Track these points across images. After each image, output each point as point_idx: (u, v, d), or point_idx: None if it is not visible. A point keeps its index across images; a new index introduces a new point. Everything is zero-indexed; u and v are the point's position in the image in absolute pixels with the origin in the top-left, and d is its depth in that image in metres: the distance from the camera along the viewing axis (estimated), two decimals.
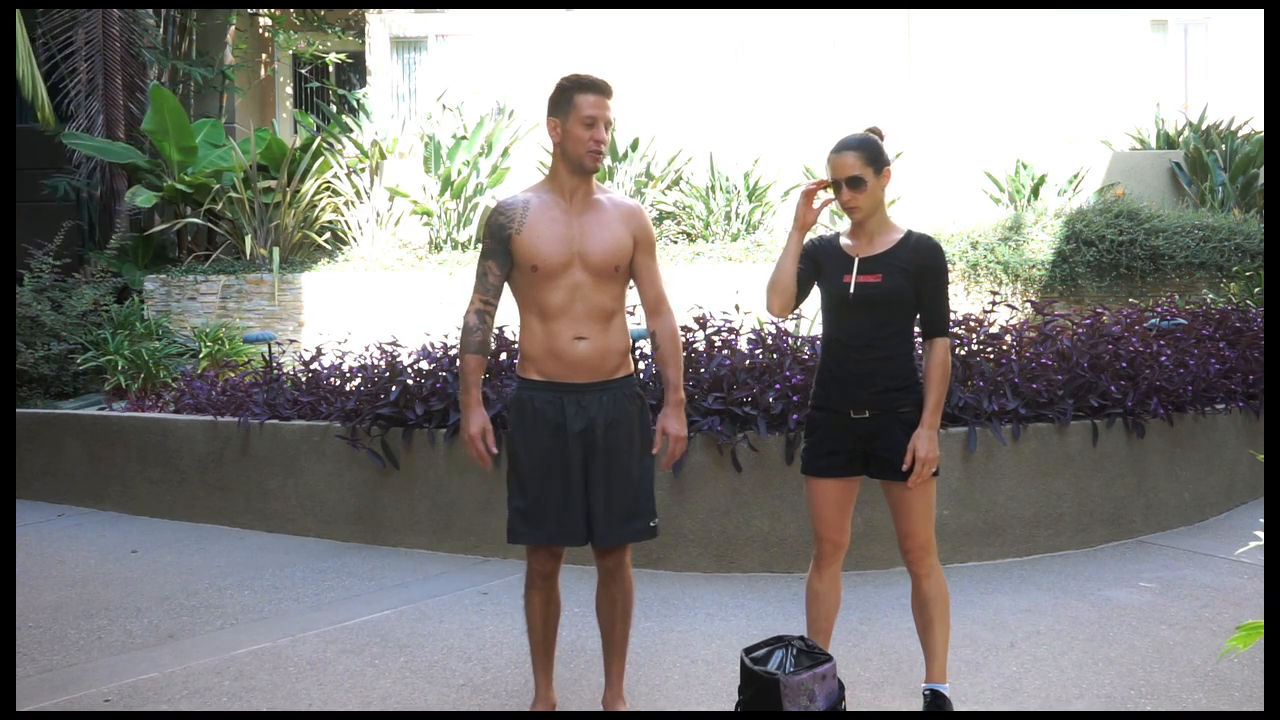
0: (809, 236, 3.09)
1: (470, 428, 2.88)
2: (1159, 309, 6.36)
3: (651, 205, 10.49)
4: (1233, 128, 11.26)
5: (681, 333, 5.00)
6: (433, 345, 5.51)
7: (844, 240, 3.04)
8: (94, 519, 6.16)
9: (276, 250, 9.82)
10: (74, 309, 8.96)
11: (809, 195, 3.00)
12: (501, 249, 2.89)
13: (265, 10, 12.40)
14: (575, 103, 2.83)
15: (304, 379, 6.02)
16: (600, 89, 2.85)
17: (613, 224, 2.91)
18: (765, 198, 10.36)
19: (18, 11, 9.33)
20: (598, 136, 2.83)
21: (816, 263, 3.03)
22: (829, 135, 3.10)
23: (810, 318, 6.20)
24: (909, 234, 3.00)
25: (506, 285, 2.96)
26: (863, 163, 2.91)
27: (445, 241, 10.26)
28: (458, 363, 5.16)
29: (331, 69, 12.39)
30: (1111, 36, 12.15)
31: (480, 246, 2.97)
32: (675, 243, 10.23)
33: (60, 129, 10.61)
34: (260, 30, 12.73)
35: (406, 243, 10.48)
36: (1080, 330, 5.52)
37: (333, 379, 5.85)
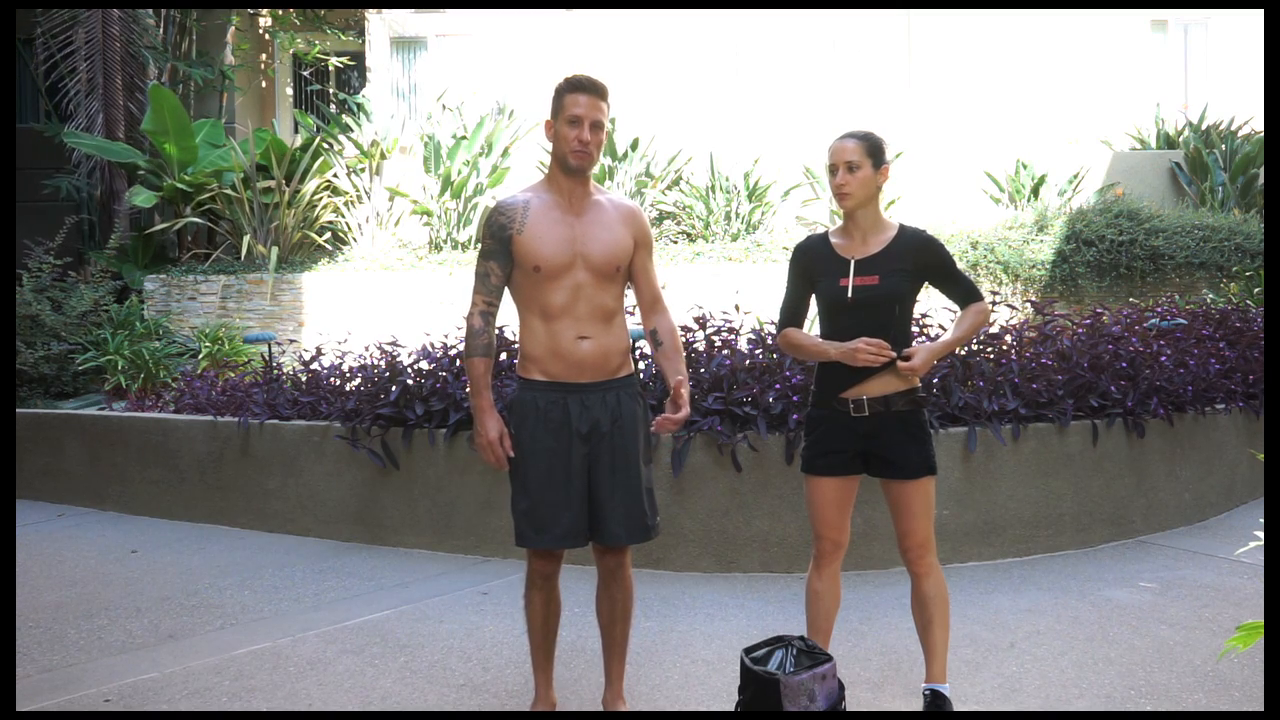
0: (797, 243, 3.16)
1: (488, 433, 2.86)
2: (1159, 309, 6.36)
3: (651, 205, 10.49)
4: (1233, 128, 11.26)
5: (681, 333, 5.03)
6: (433, 345, 5.50)
7: (835, 240, 3.04)
8: (94, 519, 6.16)
9: (275, 250, 9.82)
10: (74, 309, 8.96)
11: (864, 354, 2.87)
12: (503, 249, 2.88)
13: (265, 10, 12.40)
14: (564, 102, 2.83)
15: (304, 379, 6.02)
16: (588, 88, 2.82)
17: (613, 225, 2.91)
18: (765, 198, 10.36)
19: None
20: (582, 136, 2.80)
21: (810, 278, 3.06)
22: (829, 135, 3.12)
23: (810, 318, 6.21)
24: (901, 230, 3.00)
25: (506, 286, 2.96)
26: (862, 152, 2.94)
27: (445, 241, 10.26)
28: (462, 365, 5.22)
29: (332, 70, 12.38)
30: (1111, 36, 12.15)
31: (480, 247, 2.95)
32: (675, 243, 10.23)
33: (60, 129, 10.61)
34: (260, 31, 12.73)
35: (406, 243, 10.48)
36: (1080, 330, 5.52)
37: (333, 379, 5.85)
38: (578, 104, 2.81)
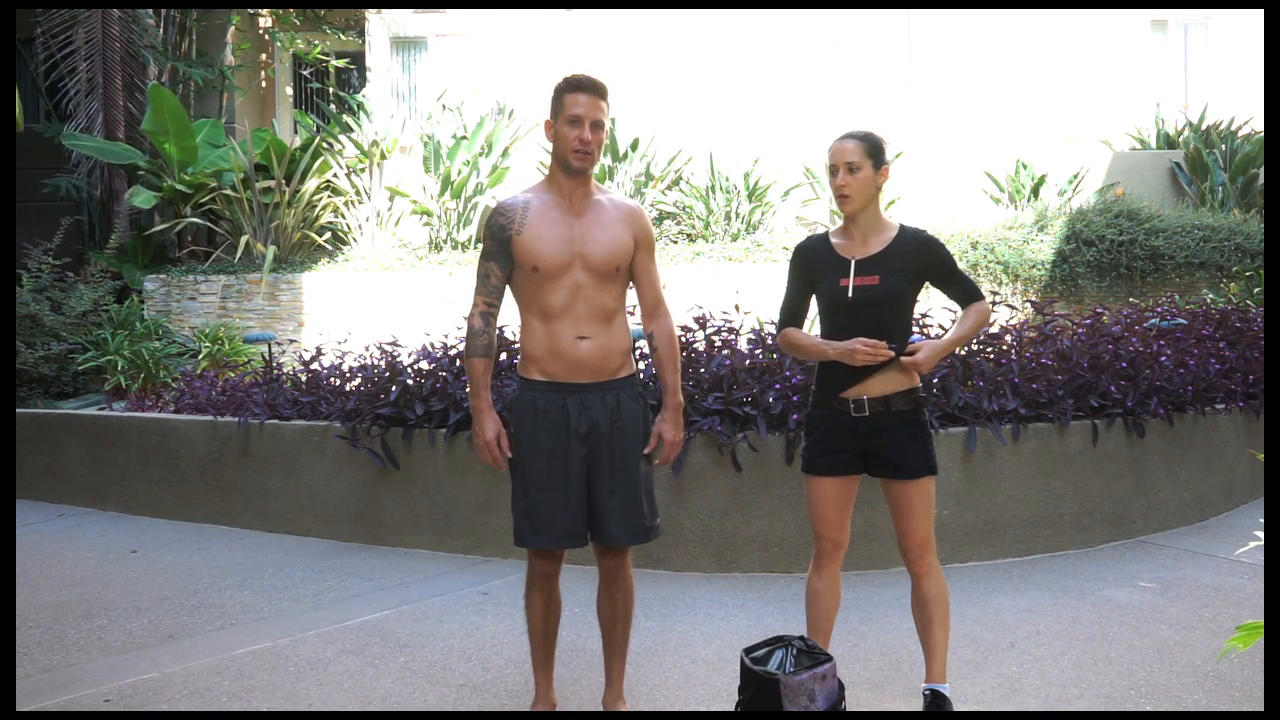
0: (797, 243, 3.16)
1: (486, 433, 2.87)
2: (1159, 309, 6.36)
3: (651, 205, 10.49)
4: (1233, 128, 11.26)
5: (681, 333, 5.04)
6: (433, 345, 5.50)
7: (835, 240, 3.04)
8: (94, 519, 6.16)
9: (272, 249, 9.81)
10: (74, 309, 8.96)
11: (861, 353, 2.87)
12: (502, 250, 2.88)
13: (265, 10, 12.40)
14: (564, 102, 2.83)
15: (304, 379, 6.02)
16: (588, 88, 2.82)
17: (613, 225, 2.91)
18: (765, 198, 10.36)
19: None
20: (583, 136, 2.80)
21: (810, 278, 3.06)
22: (829, 136, 3.12)
23: (811, 318, 6.21)
24: (902, 230, 3.00)
25: (507, 286, 2.96)
26: (863, 153, 2.94)
27: (445, 241, 10.26)
28: (461, 365, 5.22)
29: (332, 70, 12.39)
30: (1111, 36, 12.15)
31: (480, 248, 2.95)
32: (675, 243, 10.22)
33: (60, 129, 10.61)
34: (260, 31, 12.72)
35: (406, 243, 10.47)
36: (1080, 330, 5.52)
37: (333, 379, 5.85)
38: (578, 104, 2.81)
